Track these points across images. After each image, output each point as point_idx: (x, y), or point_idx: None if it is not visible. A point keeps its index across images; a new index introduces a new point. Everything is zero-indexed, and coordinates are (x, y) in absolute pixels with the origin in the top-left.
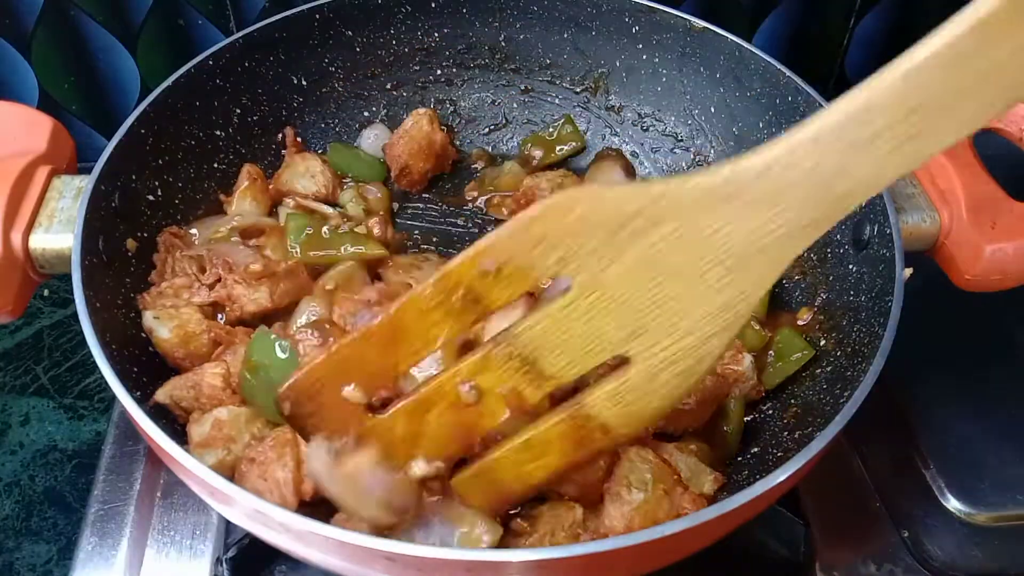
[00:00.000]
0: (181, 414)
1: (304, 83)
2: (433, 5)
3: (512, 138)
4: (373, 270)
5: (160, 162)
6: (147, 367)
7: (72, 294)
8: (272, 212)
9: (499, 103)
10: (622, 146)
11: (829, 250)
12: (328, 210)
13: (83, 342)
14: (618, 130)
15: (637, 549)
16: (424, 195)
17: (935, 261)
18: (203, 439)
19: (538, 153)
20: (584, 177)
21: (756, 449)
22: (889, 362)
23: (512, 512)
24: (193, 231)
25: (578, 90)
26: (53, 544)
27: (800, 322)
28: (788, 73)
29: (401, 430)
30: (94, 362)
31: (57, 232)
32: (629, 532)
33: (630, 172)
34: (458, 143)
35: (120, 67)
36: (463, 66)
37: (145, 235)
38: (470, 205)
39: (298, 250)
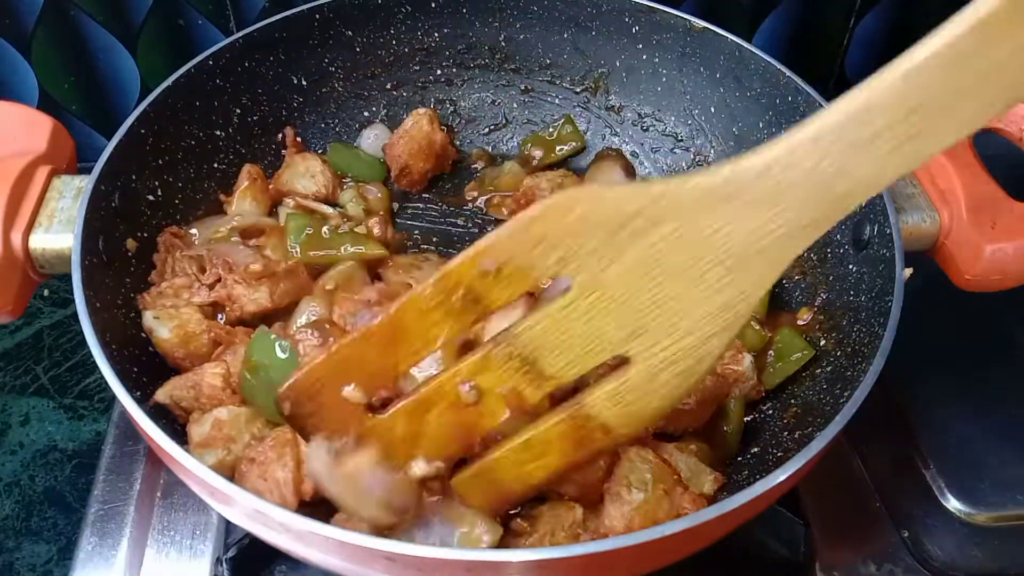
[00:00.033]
0: (181, 414)
1: (304, 83)
2: (433, 5)
3: (512, 138)
4: (373, 270)
5: (160, 162)
6: (147, 367)
7: (72, 294)
8: (272, 212)
9: (499, 103)
10: (622, 146)
11: (829, 250)
12: (328, 210)
13: (83, 342)
14: (618, 130)
15: (637, 549)
16: (424, 195)
17: (935, 261)
18: (203, 439)
19: (538, 153)
20: (584, 177)
21: (756, 449)
22: (889, 362)
23: (512, 512)
24: (193, 231)
25: (578, 90)
26: (53, 544)
27: (800, 322)
28: (788, 73)
29: (401, 430)
30: (94, 362)
31: (57, 232)
32: (629, 532)
33: (630, 172)
34: (458, 143)
35: (120, 67)
36: (463, 66)
37: (145, 235)
38: (470, 205)
39: (298, 250)
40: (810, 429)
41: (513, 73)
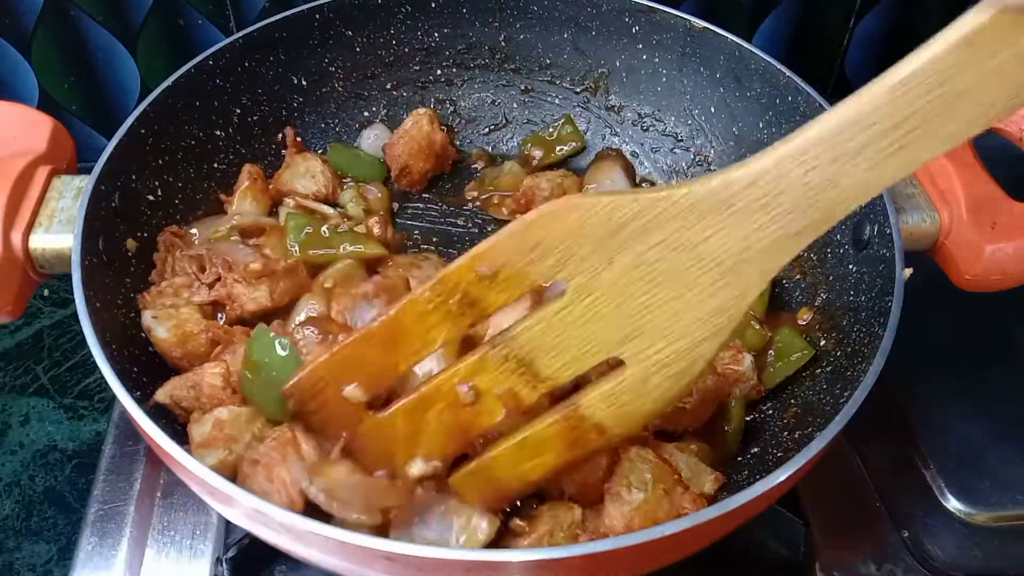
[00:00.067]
0: (181, 414)
1: (304, 83)
2: (433, 5)
3: (512, 138)
4: (372, 270)
5: (160, 162)
6: (147, 367)
7: (72, 294)
8: (272, 212)
9: (499, 103)
10: (622, 146)
11: (829, 250)
12: (328, 210)
13: (83, 342)
14: (618, 130)
15: (637, 549)
16: (424, 195)
17: (935, 261)
18: (204, 439)
19: (538, 153)
20: (584, 177)
21: (756, 449)
22: (889, 362)
23: (510, 511)
24: (193, 231)
25: (578, 90)
26: (53, 544)
27: (800, 322)
28: (788, 73)
29: (401, 428)
30: (94, 362)
31: (57, 232)
32: (629, 532)
33: (630, 172)
34: (458, 143)
35: (120, 67)
36: (463, 66)
37: (145, 235)
38: (470, 205)
39: (297, 249)
40: (810, 429)
41: (513, 73)
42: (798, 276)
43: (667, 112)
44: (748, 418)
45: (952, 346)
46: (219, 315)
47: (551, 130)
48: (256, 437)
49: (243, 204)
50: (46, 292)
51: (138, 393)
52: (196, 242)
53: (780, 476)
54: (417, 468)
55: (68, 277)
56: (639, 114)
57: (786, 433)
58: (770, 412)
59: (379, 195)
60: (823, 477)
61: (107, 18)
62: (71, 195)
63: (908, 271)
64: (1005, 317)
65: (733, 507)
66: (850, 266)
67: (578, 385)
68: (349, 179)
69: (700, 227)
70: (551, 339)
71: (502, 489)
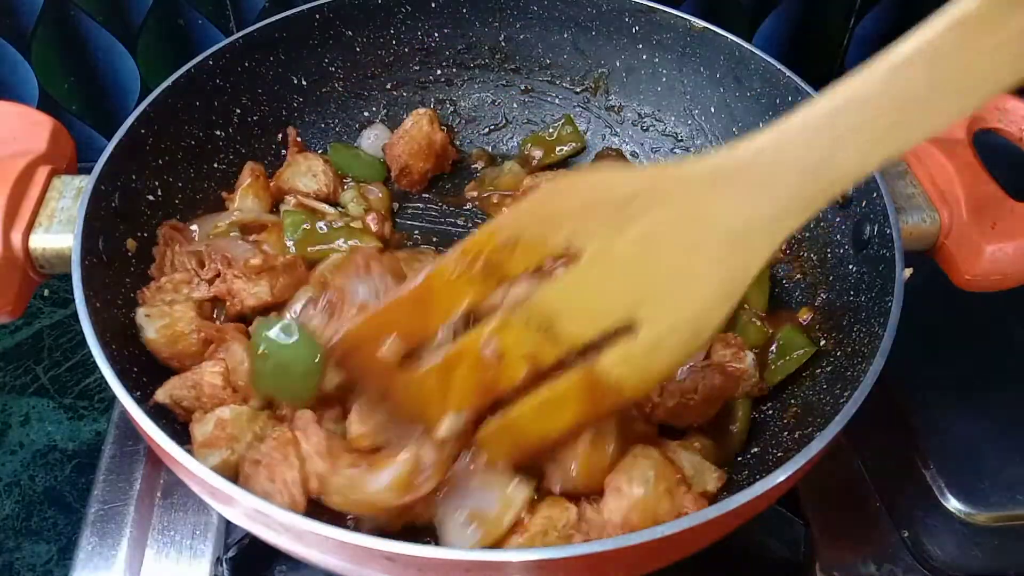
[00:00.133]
0: (182, 413)
1: (304, 83)
2: (433, 5)
3: (512, 138)
4: None
5: (160, 162)
6: (147, 367)
7: (72, 294)
8: (274, 211)
9: (499, 103)
10: (622, 146)
11: (829, 250)
12: (329, 209)
13: (83, 342)
14: (618, 130)
15: (637, 549)
16: (424, 195)
17: (935, 261)
18: (206, 439)
19: (538, 153)
20: None
21: (756, 449)
22: (889, 362)
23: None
24: (193, 227)
25: (578, 90)
26: (53, 544)
27: (800, 322)
28: (788, 73)
29: (432, 386)
30: (94, 362)
31: (57, 232)
32: (626, 526)
33: None
34: (458, 143)
35: (120, 67)
36: (463, 66)
37: (145, 235)
38: (470, 205)
39: (294, 246)
40: (810, 429)
41: (513, 73)
42: (798, 276)
43: (667, 112)
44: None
45: (952, 346)
46: (216, 311)
47: (551, 130)
48: (257, 436)
49: (245, 201)
50: (46, 292)
51: (138, 393)
52: (196, 238)
53: (780, 476)
54: (445, 428)
55: (68, 277)
56: (639, 114)
57: (786, 433)
58: (770, 412)
59: (380, 195)
60: (823, 477)
61: (107, 18)
62: (71, 195)
63: (908, 271)
64: (1005, 317)
65: (733, 507)
66: (850, 266)
67: (590, 350)
68: (350, 179)
69: (706, 200)
70: (568, 302)
71: (525, 445)
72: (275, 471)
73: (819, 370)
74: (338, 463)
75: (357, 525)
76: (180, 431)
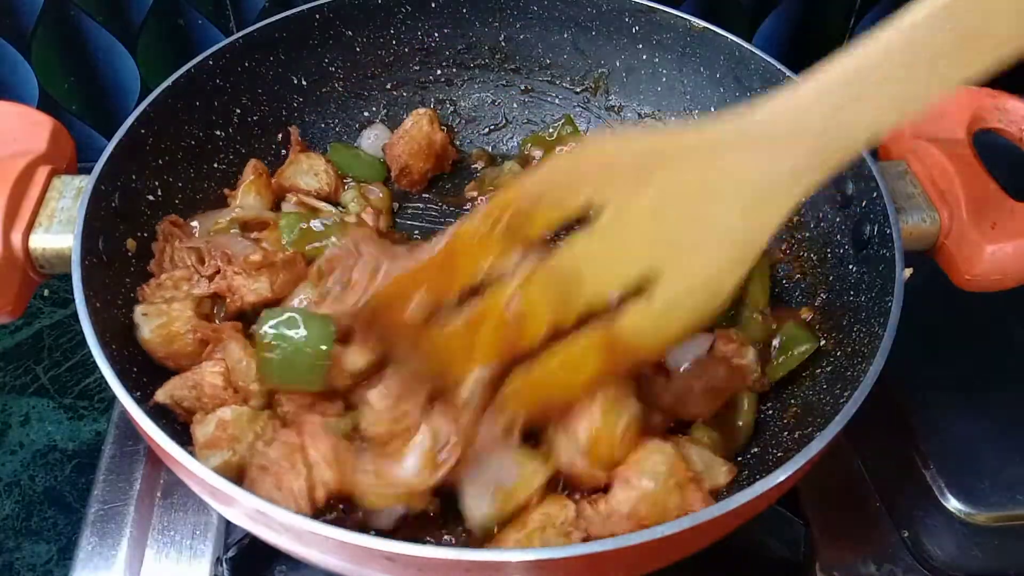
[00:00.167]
0: (182, 413)
1: (304, 83)
2: (433, 5)
3: (512, 138)
4: None
5: (160, 162)
6: (147, 367)
7: (72, 294)
8: (275, 209)
9: (499, 103)
10: None
11: (829, 250)
12: (330, 209)
13: (83, 342)
14: (618, 130)
15: (637, 549)
16: (424, 195)
17: (935, 261)
18: (208, 440)
19: (538, 153)
20: None
21: (756, 449)
22: (889, 362)
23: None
24: (194, 223)
25: (578, 90)
26: (53, 544)
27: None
28: (788, 73)
29: (456, 345)
30: (94, 362)
31: (57, 232)
32: (633, 517)
33: None
34: (458, 143)
35: (120, 67)
36: (463, 66)
37: (145, 235)
38: (470, 205)
39: (291, 245)
40: (810, 429)
41: (513, 73)
42: (798, 276)
43: (667, 112)
44: None
45: (952, 346)
46: (216, 308)
47: (551, 130)
48: (258, 436)
49: (247, 198)
50: (46, 292)
51: (138, 393)
52: (196, 234)
53: (780, 476)
54: (471, 383)
55: (68, 277)
56: (639, 114)
57: (786, 433)
58: (770, 412)
59: (380, 195)
60: (823, 477)
61: (107, 18)
62: (71, 195)
63: (908, 271)
64: (1005, 317)
65: (733, 507)
66: (850, 266)
67: (608, 310)
68: (350, 179)
69: (725, 160)
70: (589, 261)
71: (547, 401)
72: (282, 479)
73: (819, 370)
74: (348, 469)
75: (367, 521)
76: (180, 431)
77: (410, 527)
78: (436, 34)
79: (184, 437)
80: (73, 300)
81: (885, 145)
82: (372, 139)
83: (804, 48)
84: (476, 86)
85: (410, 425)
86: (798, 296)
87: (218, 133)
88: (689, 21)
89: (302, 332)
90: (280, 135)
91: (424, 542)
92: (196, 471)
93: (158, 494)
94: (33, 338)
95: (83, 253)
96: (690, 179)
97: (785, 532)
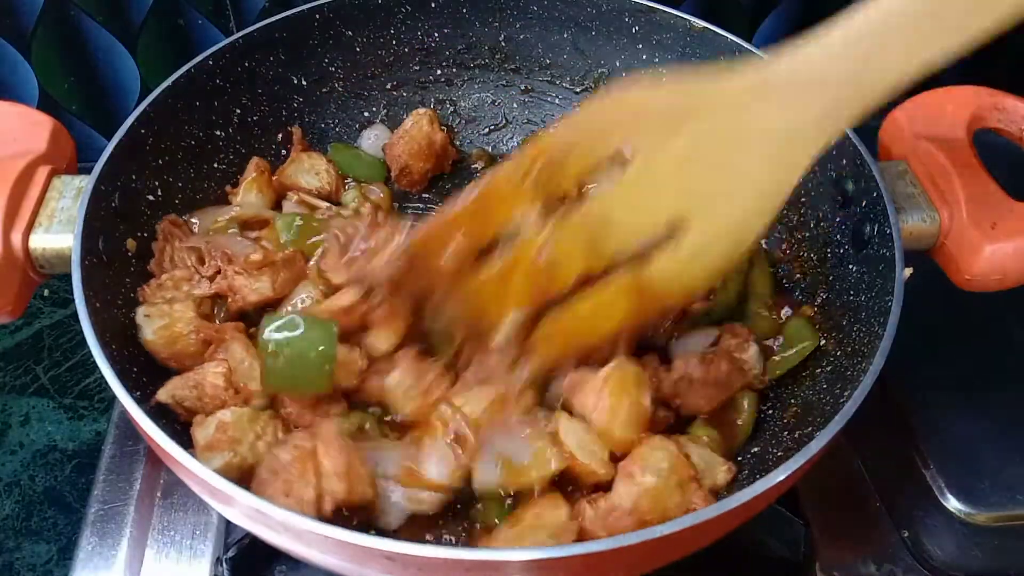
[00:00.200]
0: (183, 413)
1: (304, 83)
2: (433, 5)
3: (512, 138)
4: None
5: (160, 162)
6: (147, 367)
7: (72, 294)
8: (276, 208)
9: (499, 103)
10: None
11: (829, 250)
12: (331, 209)
13: (83, 342)
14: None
15: (637, 548)
16: (424, 195)
17: (935, 261)
18: (208, 442)
19: None
20: None
21: (756, 449)
22: (889, 362)
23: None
24: (194, 220)
25: (578, 90)
26: (53, 544)
27: (810, 315)
28: None
29: (490, 291)
30: (94, 362)
31: (57, 232)
32: (635, 512)
33: None
34: (458, 143)
35: (120, 67)
36: (463, 66)
37: (145, 235)
38: None
39: (290, 244)
40: (810, 429)
41: (513, 73)
42: (798, 276)
43: None
44: None
45: (952, 346)
46: (217, 308)
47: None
48: (259, 436)
49: (248, 196)
50: (46, 292)
51: (138, 393)
52: (196, 231)
53: (780, 476)
54: (506, 328)
55: (68, 277)
56: None
57: (786, 433)
58: (770, 411)
59: (381, 195)
60: (823, 477)
61: (107, 18)
62: (71, 195)
63: (908, 271)
64: (1005, 317)
65: (733, 507)
66: (850, 266)
67: (634, 259)
68: (351, 180)
69: (752, 109)
70: (618, 208)
71: (576, 344)
72: (292, 487)
73: (819, 370)
74: (361, 481)
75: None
76: (180, 431)
77: (410, 526)
78: (436, 34)
79: (184, 437)
80: (73, 300)
81: (885, 145)
82: (372, 139)
83: None
84: (476, 86)
85: (439, 398)
86: (798, 296)
87: (218, 133)
88: (689, 21)
89: (304, 335)
90: (280, 135)
91: (424, 542)
92: (196, 471)
93: (158, 494)
94: (33, 338)
95: (83, 253)
96: (718, 128)
97: (785, 532)
